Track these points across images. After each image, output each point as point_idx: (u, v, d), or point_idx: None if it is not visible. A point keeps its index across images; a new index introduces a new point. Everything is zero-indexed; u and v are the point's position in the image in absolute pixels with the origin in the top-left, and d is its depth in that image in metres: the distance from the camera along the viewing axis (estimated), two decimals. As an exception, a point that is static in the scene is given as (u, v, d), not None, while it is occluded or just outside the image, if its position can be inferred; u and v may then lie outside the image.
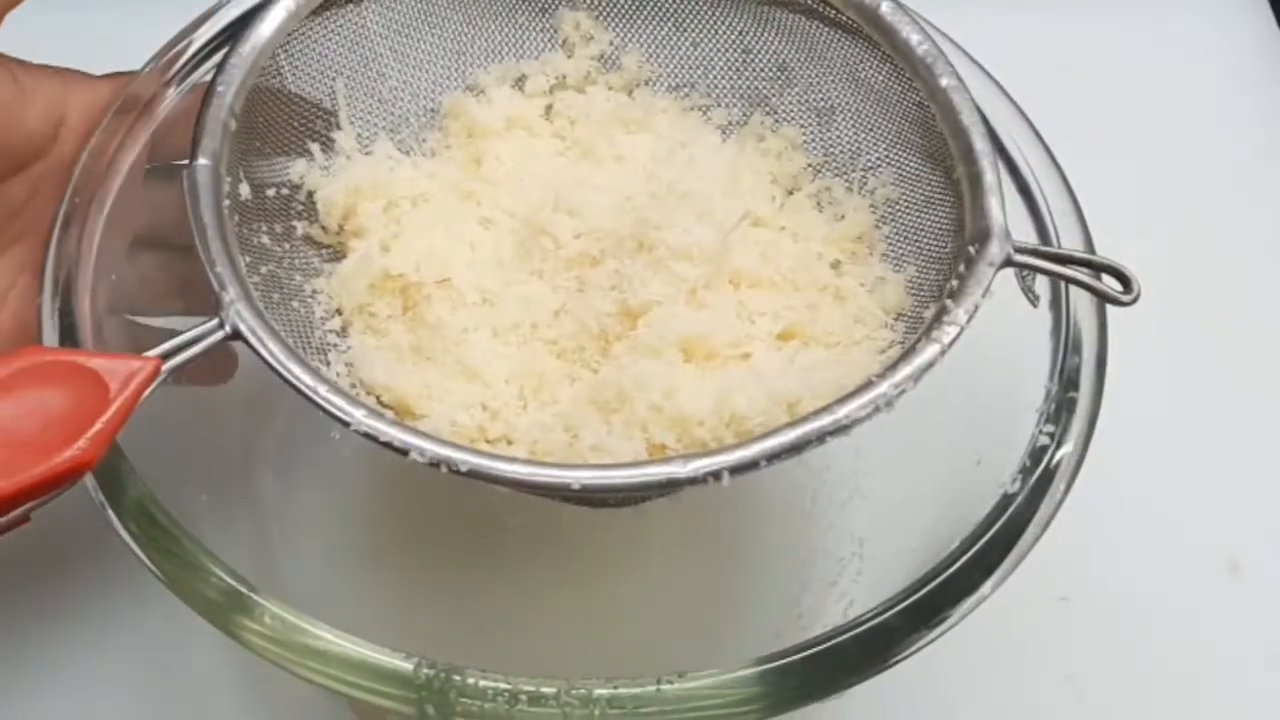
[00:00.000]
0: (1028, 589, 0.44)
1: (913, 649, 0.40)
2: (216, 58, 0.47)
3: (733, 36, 0.54)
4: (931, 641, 0.40)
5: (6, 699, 0.55)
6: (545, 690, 0.38)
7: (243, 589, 0.41)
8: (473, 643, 0.53)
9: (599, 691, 0.38)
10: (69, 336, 0.43)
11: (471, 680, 0.38)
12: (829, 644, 0.40)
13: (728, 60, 0.54)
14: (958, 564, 0.41)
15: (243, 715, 0.56)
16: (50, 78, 0.48)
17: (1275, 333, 0.68)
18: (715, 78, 0.54)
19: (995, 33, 0.54)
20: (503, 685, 0.38)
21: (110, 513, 0.42)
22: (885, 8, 0.49)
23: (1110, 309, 0.45)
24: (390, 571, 0.56)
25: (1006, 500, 0.42)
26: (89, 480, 0.42)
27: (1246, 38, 0.77)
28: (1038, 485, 0.43)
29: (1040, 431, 0.44)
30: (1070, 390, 0.44)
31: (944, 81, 0.48)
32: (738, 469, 0.40)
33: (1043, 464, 0.43)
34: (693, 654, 0.47)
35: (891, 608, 0.41)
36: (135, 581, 0.51)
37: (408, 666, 0.39)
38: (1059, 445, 0.43)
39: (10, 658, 0.56)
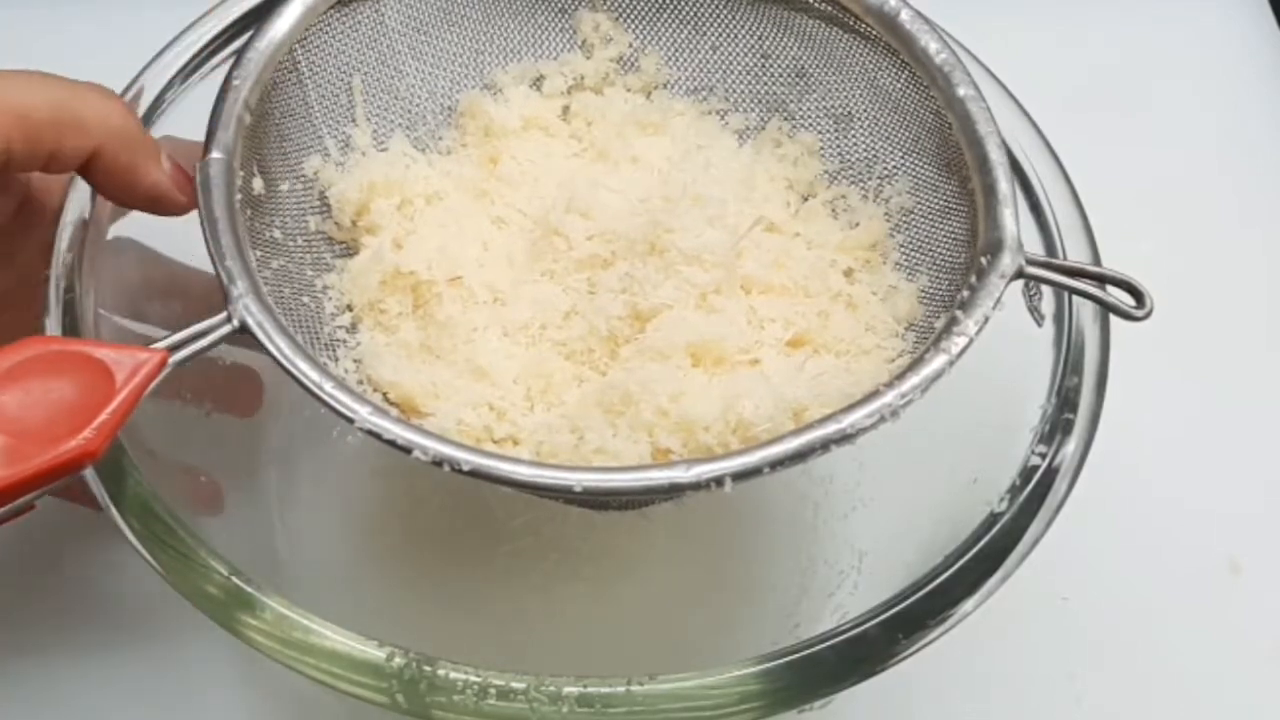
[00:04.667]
0: (1029, 590, 0.44)
1: (890, 662, 0.40)
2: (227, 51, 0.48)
3: (752, 41, 0.53)
4: (909, 656, 0.40)
5: (7, 699, 0.55)
6: (514, 685, 0.38)
7: (244, 585, 0.41)
8: (467, 640, 0.53)
9: (568, 689, 0.38)
10: (73, 329, 0.43)
11: (441, 672, 0.38)
12: (806, 652, 0.40)
13: (746, 65, 0.54)
14: (935, 582, 0.41)
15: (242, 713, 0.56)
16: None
17: (1275, 333, 0.67)
18: (734, 82, 0.54)
19: (995, 33, 0.54)
20: (472, 678, 0.38)
21: (113, 509, 0.42)
22: (904, 15, 0.49)
23: (1115, 323, 0.45)
24: (391, 567, 0.56)
25: (993, 519, 0.42)
26: (91, 476, 0.42)
27: (1247, 37, 0.77)
28: (1026, 505, 0.42)
29: (1033, 452, 0.43)
30: (1067, 411, 0.44)
31: (961, 91, 0.48)
32: (741, 475, 0.40)
33: (1032, 484, 0.43)
34: (684, 657, 0.47)
35: (871, 619, 0.41)
36: (140, 579, 0.50)
37: (380, 655, 0.39)
38: (1050, 465, 0.43)
39: (10, 658, 0.56)
